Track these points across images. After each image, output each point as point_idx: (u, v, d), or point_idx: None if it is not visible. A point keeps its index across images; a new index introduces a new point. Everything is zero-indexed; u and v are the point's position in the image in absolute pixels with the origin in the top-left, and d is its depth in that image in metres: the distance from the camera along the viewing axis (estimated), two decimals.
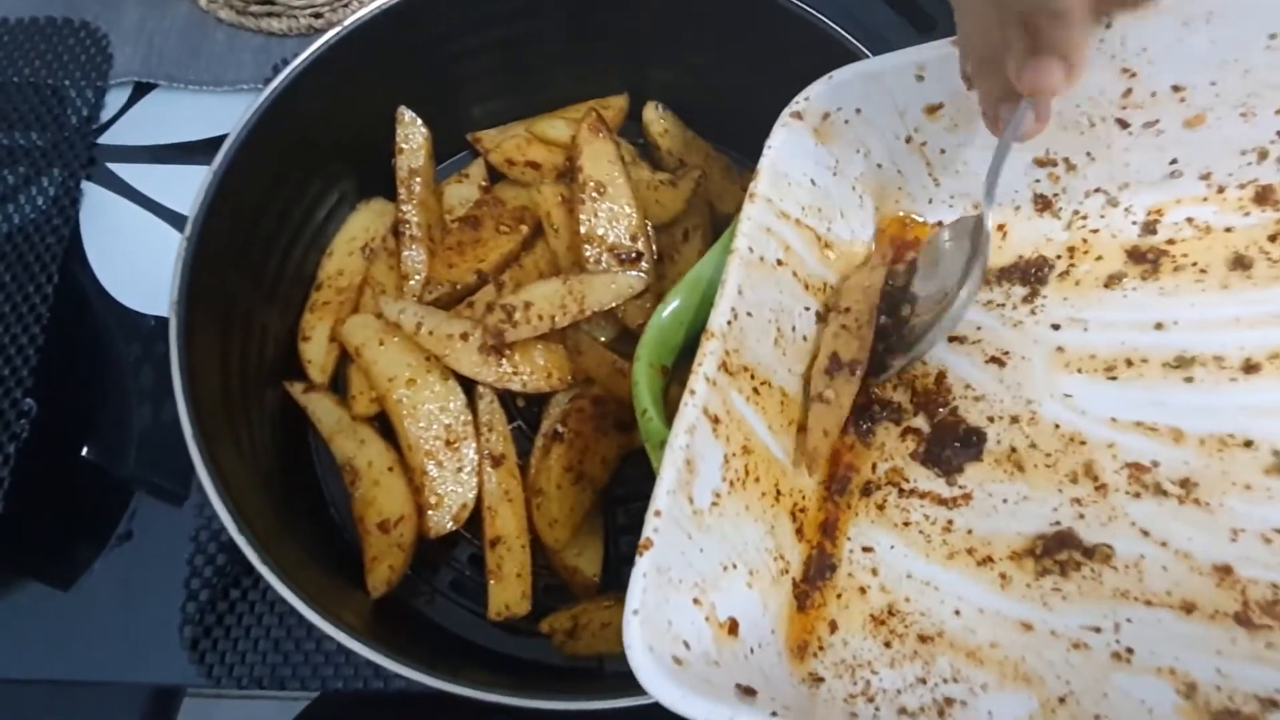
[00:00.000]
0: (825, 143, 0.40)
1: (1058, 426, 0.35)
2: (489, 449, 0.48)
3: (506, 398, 0.50)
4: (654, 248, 0.50)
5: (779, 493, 0.35)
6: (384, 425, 0.50)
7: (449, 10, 0.48)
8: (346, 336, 0.50)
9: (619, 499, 0.51)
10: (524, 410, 0.52)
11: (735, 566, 0.32)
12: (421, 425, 0.48)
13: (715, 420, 0.33)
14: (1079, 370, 0.36)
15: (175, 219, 0.61)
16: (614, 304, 0.47)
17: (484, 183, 0.55)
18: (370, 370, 0.49)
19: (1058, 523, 0.34)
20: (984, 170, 0.39)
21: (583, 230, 0.49)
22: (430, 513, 0.47)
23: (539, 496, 0.47)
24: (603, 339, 0.50)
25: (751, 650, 0.31)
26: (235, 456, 0.45)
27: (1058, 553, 0.33)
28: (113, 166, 0.62)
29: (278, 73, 0.62)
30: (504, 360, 0.48)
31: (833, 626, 0.34)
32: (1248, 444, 0.32)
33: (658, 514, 0.30)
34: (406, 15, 0.47)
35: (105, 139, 0.62)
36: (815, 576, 0.35)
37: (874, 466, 0.38)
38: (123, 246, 0.60)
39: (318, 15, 0.63)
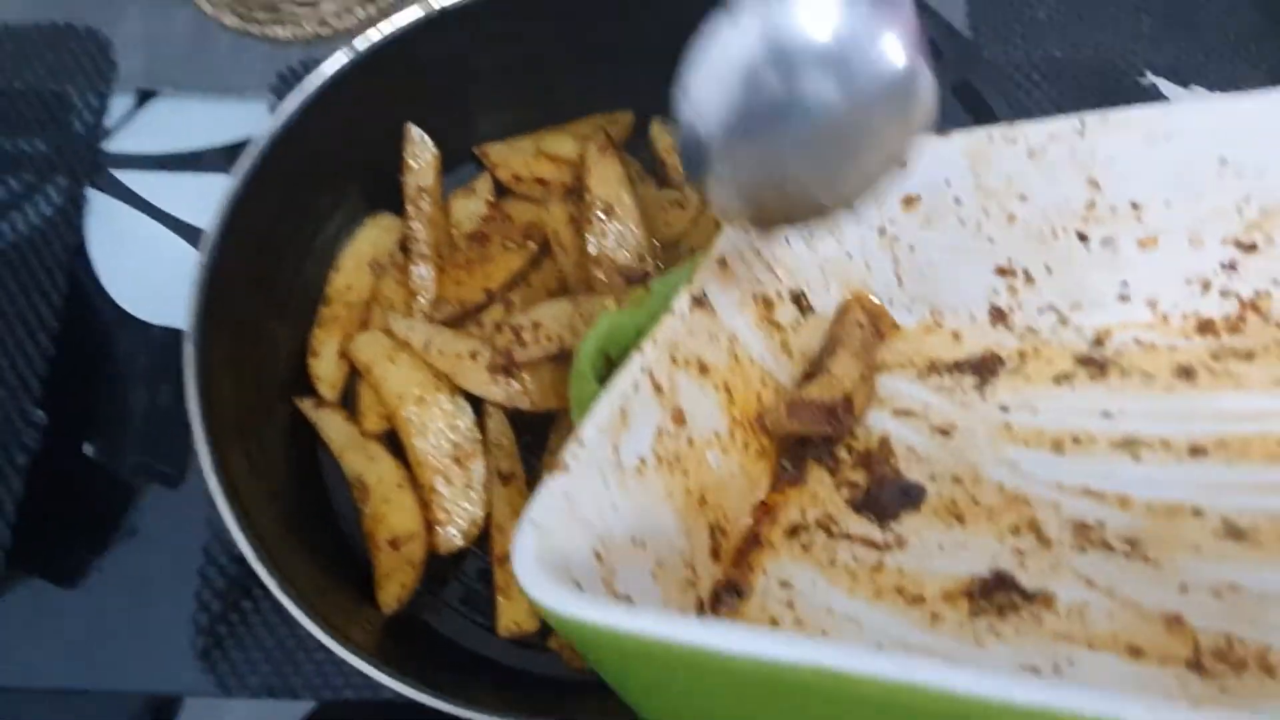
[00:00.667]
0: None
1: (1001, 487, 0.36)
2: (498, 466, 0.49)
3: (514, 413, 0.51)
4: (660, 266, 0.51)
5: (704, 500, 0.35)
6: (393, 441, 0.51)
7: (461, 32, 0.48)
8: (356, 354, 0.50)
9: None
10: (532, 424, 0.53)
11: (645, 547, 0.31)
12: (431, 442, 0.49)
13: (658, 389, 0.33)
14: (1025, 444, 0.37)
15: (181, 227, 0.61)
16: None
17: (490, 197, 0.55)
18: (380, 387, 0.50)
19: (997, 568, 0.33)
20: (948, 276, 0.40)
21: (591, 252, 0.49)
22: (440, 529, 0.48)
23: None
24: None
25: None
26: (249, 475, 0.46)
27: (995, 594, 0.32)
28: (118, 174, 0.62)
29: (284, 82, 0.62)
30: (512, 379, 0.48)
31: None
32: (1196, 512, 0.32)
33: (579, 443, 0.29)
34: (420, 37, 0.47)
35: (110, 146, 0.62)
36: (723, 601, 0.34)
37: (803, 511, 0.38)
38: (129, 255, 0.60)
39: (323, 23, 0.63)
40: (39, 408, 0.56)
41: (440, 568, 0.51)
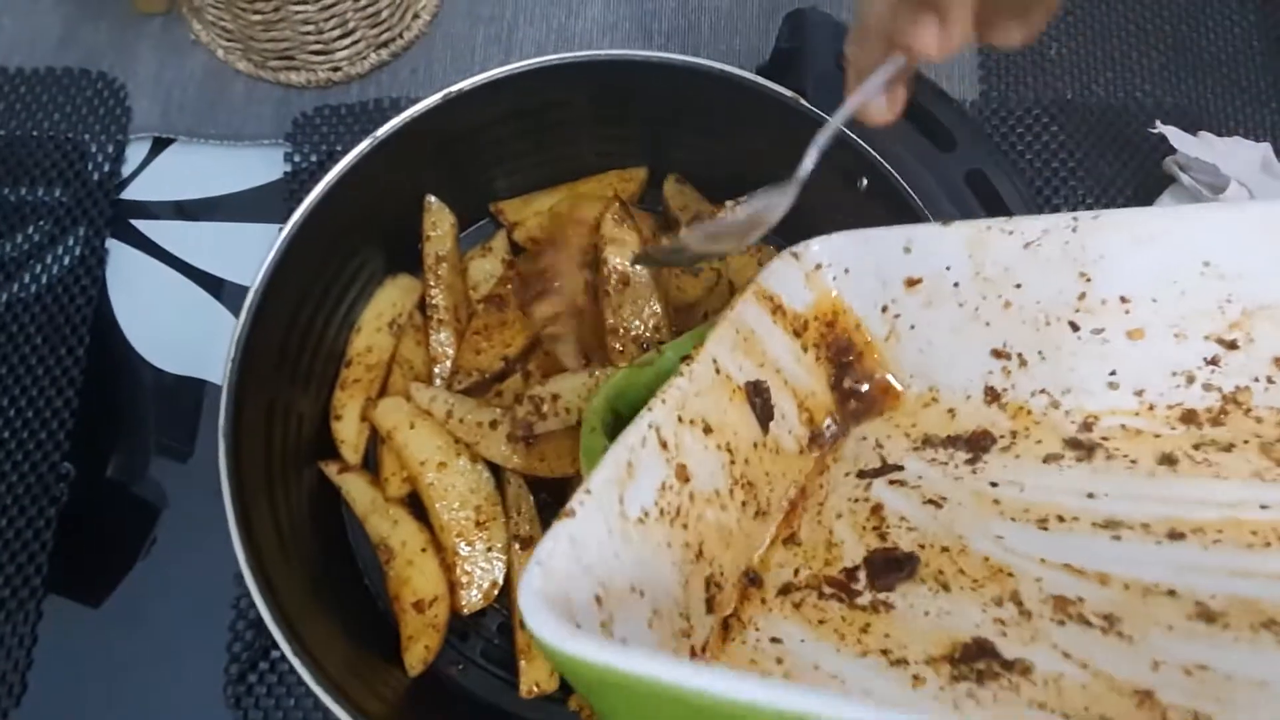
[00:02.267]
0: (811, 290, 0.43)
1: (987, 559, 0.38)
2: (517, 531, 0.50)
3: (532, 476, 0.52)
4: (676, 333, 0.52)
5: (701, 554, 0.37)
6: (415, 502, 0.52)
7: (476, 108, 0.49)
8: (379, 420, 0.51)
9: None
10: (549, 485, 0.54)
11: (643, 595, 0.33)
12: (453, 507, 0.50)
13: (663, 445, 0.35)
14: (1012, 519, 0.38)
15: (199, 275, 0.62)
16: None
17: (507, 256, 0.56)
18: (402, 453, 0.51)
19: (979, 636, 0.35)
20: (946, 355, 0.42)
21: (608, 322, 0.50)
22: (461, 591, 0.50)
23: None
24: None
25: None
26: (275, 538, 0.47)
27: (975, 661, 0.34)
28: (136, 223, 0.63)
29: (299, 128, 0.63)
30: (531, 448, 0.50)
31: None
32: (1171, 593, 0.34)
33: (588, 493, 0.31)
34: (437, 117, 0.47)
35: (127, 194, 0.63)
36: (715, 653, 0.36)
37: (796, 571, 0.39)
38: (148, 303, 0.61)
39: (336, 68, 0.63)
40: (66, 460, 0.58)
41: (460, 623, 0.52)
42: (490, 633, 0.53)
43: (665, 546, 0.34)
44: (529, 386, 0.50)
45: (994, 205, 0.44)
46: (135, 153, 0.64)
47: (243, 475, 0.45)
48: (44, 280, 0.61)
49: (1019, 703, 0.33)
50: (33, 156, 0.63)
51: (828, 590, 0.38)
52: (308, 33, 0.60)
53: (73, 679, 0.55)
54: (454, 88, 0.47)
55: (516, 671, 0.49)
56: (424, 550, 0.50)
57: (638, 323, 0.50)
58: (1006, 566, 0.37)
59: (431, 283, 0.52)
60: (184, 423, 0.59)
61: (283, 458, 0.50)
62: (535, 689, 0.49)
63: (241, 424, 0.44)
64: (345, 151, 0.47)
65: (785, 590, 0.39)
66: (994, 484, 0.40)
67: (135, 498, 0.58)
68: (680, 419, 0.37)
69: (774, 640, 0.37)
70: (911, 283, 0.42)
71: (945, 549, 0.38)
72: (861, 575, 0.39)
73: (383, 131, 0.46)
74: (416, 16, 0.65)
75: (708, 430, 0.38)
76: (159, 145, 0.64)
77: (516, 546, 0.50)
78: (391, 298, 0.55)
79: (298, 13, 0.58)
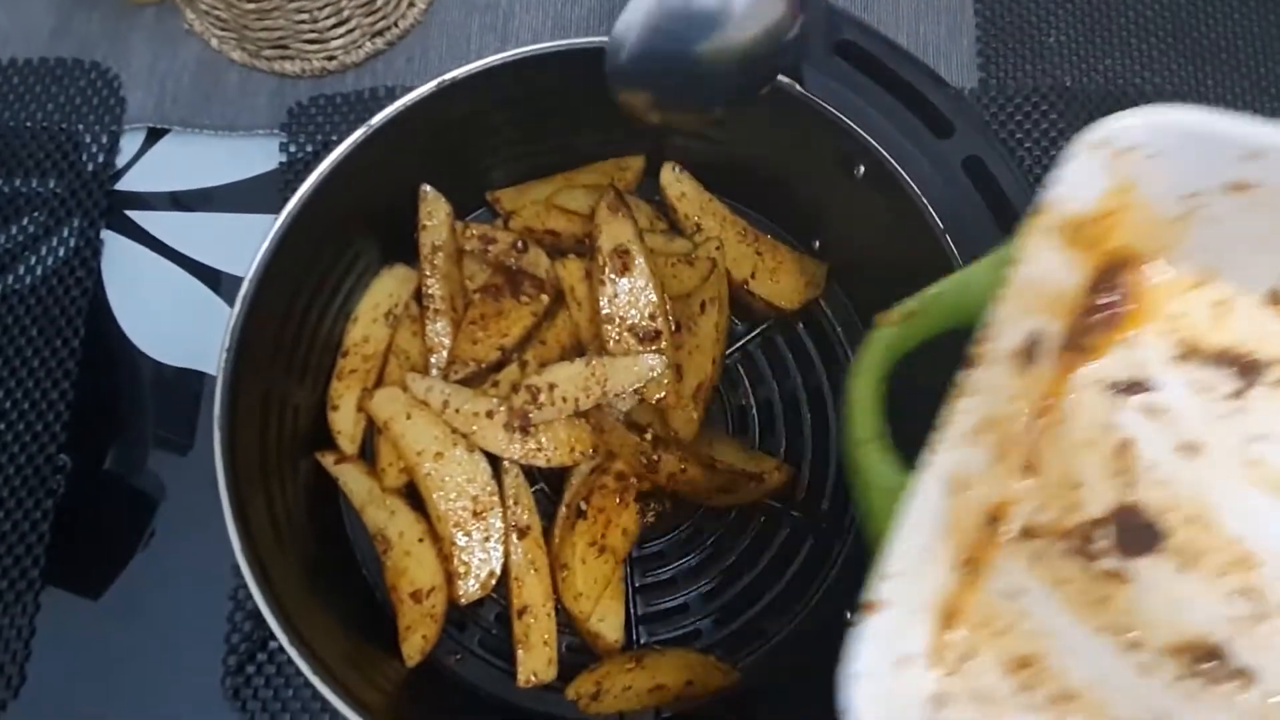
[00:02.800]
0: (1110, 177, 0.36)
1: (1233, 543, 0.35)
2: (514, 520, 0.50)
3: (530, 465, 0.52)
4: (671, 321, 0.52)
5: (959, 540, 0.35)
6: (412, 493, 0.52)
7: (471, 97, 0.48)
8: (375, 411, 0.51)
9: (635, 559, 0.53)
10: (546, 472, 0.54)
11: (924, 609, 0.33)
12: (450, 497, 0.50)
13: (951, 488, 0.34)
14: (1270, 493, 0.35)
15: (195, 266, 0.62)
16: (634, 386, 0.49)
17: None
18: (398, 443, 0.51)
19: (1212, 634, 0.34)
20: (1239, 252, 0.37)
21: (603, 311, 0.50)
22: (459, 581, 0.50)
23: (564, 570, 0.49)
24: (623, 408, 0.51)
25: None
26: (271, 530, 0.47)
27: (1205, 662, 0.33)
28: (131, 214, 0.62)
29: (294, 118, 0.63)
30: (529, 438, 0.50)
31: (968, 654, 0.35)
32: None
33: (892, 578, 0.31)
34: (432, 106, 0.47)
35: (121, 185, 0.63)
36: (962, 604, 0.36)
37: (1036, 510, 0.37)
38: (143, 295, 0.61)
39: (330, 58, 0.63)
40: (63, 452, 0.58)
41: (459, 612, 0.52)
42: (488, 622, 0.53)
43: (939, 563, 0.34)
44: (526, 376, 0.50)
45: (991, 190, 0.44)
46: (130, 143, 0.63)
47: (238, 467, 0.45)
48: (38, 272, 0.60)
49: (1233, 713, 0.32)
50: (26, 148, 0.62)
51: (1067, 545, 0.36)
52: (302, 22, 0.60)
53: (71, 671, 0.55)
54: (449, 76, 0.47)
55: (514, 661, 0.50)
56: (421, 540, 0.50)
57: (634, 311, 0.50)
58: (1251, 557, 0.34)
59: (428, 272, 0.52)
60: (183, 415, 0.59)
61: (279, 449, 0.49)
62: (533, 678, 0.49)
63: (237, 415, 0.44)
64: (340, 141, 0.46)
65: (1026, 534, 0.36)
66: (1256, 437, 0.36)
67: (133, 490, 0.58)
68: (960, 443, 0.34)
69: (1015, 594, 0.35)
70: (1237, 187, 0.35)
71: (1193, 519, 0.35)
72: (1105, 535, 0.36)
73: (377, 120, 0.46)
74: (412, 5, 0.64)
75: (978, 427, 0.35)
76: (154, 136, 0.64)
77: (514, 536, 0.50)
78: (387, 288, 0.54)
79: (292, 1, 0.58)
